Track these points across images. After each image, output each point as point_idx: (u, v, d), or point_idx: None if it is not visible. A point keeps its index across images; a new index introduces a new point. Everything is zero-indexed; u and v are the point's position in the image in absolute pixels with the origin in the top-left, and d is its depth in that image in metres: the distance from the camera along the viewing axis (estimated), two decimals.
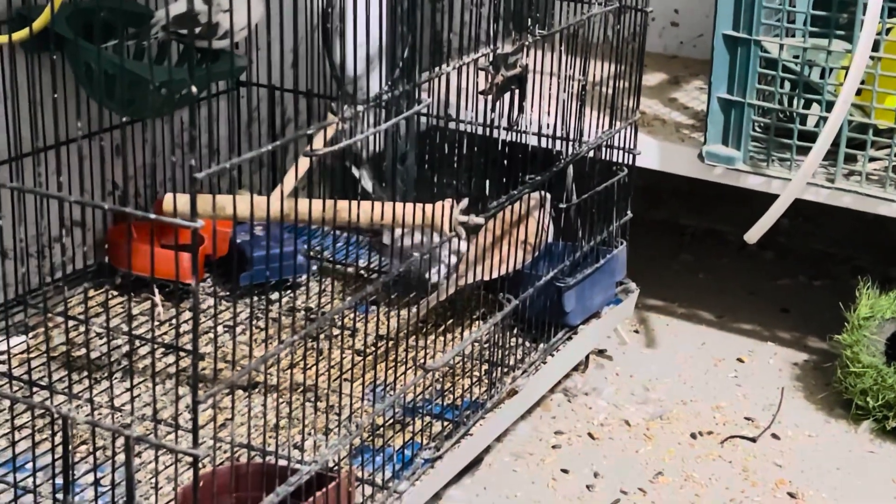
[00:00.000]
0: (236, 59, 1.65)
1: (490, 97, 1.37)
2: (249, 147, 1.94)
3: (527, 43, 1.40)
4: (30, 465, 1.34)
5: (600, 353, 1.88)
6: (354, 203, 1.34)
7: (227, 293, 1.76)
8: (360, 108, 1.15)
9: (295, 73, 1.84)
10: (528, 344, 1.66)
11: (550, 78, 1.54)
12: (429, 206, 1.37)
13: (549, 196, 1.63)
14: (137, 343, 1.61)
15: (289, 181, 1.64)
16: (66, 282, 1.71)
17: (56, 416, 1.12)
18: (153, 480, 1.33)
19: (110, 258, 1.78)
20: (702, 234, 2.30)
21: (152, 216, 1.06)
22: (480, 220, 1.37)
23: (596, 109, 1.68)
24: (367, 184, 1.84)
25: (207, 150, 1.91)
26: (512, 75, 1.37)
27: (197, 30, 1.60)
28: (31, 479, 1.32)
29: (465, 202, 1.38)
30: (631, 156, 1.75)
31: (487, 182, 1.40)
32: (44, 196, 1.19)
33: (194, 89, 1.15)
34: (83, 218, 1.74)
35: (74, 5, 1.61)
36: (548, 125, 1.60)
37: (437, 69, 1.33)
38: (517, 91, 1.40)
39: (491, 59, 1.35)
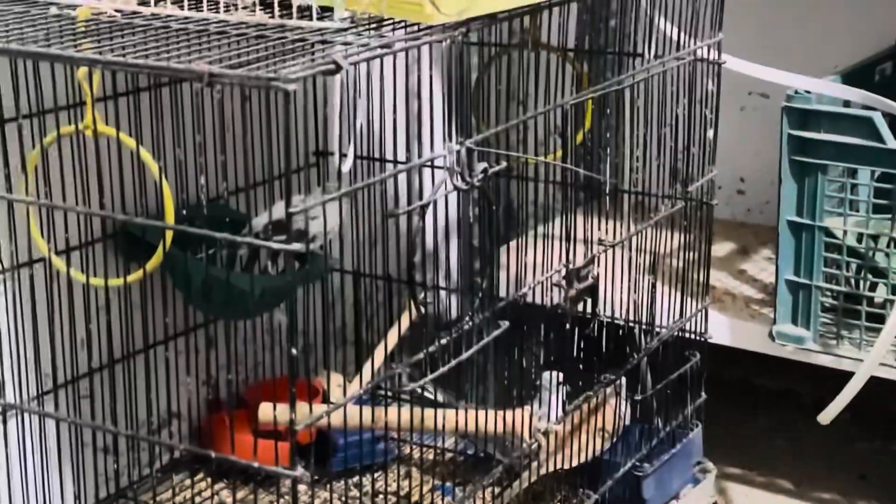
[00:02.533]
0: (320, 262, 1.75)
1: (566, 310, 1.43)
2: (333, 328, 2.03)
3: (597, 254, 1.47)
4: None
5: None
6: (440, 412, 1.41)
7: (317, 479, 1.83)
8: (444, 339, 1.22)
9: (374, 258, 1.93)
10: None
11: (621, 265, 1.60)
12: (509, 414, 1.44)
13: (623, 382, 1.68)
14: None
15: (378, 356, 1.73)
16: (164, 471, 1.81)
17: None
18: None
19: (206, 446, 1.86)
20: (777, 395, 2.33)
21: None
22: (558, 426, 1.43)
23: (667, 284, 1.74)
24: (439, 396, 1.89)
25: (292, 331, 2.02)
26: (584, 286, 1.44)
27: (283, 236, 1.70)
28: None
29: (544, 409, 1.44)
30: (703, 339, 1.80)
31: (565, 389, 1.46)
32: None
33: (284, 319, 1.23)
34: (179, 409, 1.83)
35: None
36: (619, 312, 1.66)
37: (511, 291, 1.40)
38: (590, 300, 1.47)
39: (564, 274, 1.42)
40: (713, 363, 1.87)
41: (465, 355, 1.26)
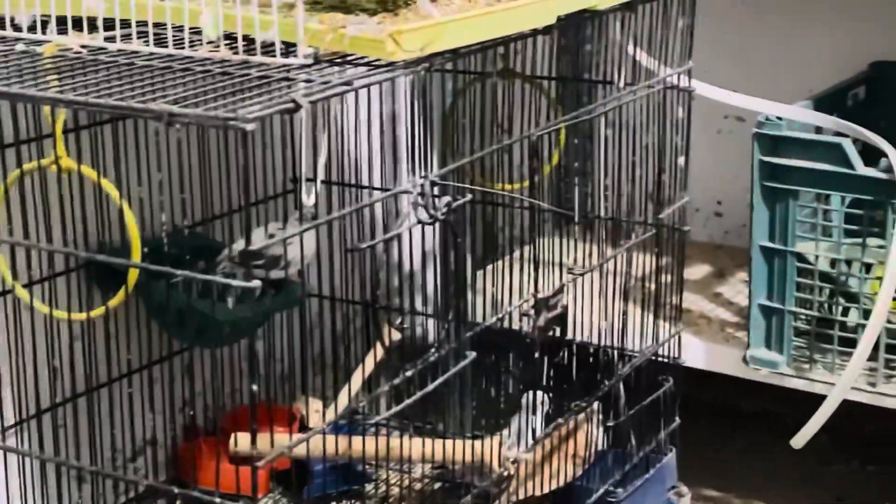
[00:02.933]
0: (295, 289, 1.76)
1: (534, 338, 1.44)
2: (312, 354, 2.04)
3: (566, 283, 1.48)
4: None
5: None
6: (406, 441, 1.42)
7: None
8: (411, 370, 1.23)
9: (350, 283, 1.94)
10: None
11: (591, 289, 1.60)
12: (478, 444, 1.44)
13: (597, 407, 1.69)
14: None
15: (356, 381, 1.73)
16: (140, 500, 1.81)
17: None
18: None
19: (182, 473, 1.87)
20: (753, 417, 2.34)
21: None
22: (528, 455, 1.44)
23: (640, 307, 1.75)
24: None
25: (268, 356, 2.03)
26: (553, 316, 1.45)
27: (259, 262, 1.71)
28: None
29: (513, 437, 1.45)
30: (677, 364, 1.81)
31: (536, 417, 1.47)
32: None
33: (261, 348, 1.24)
34: (154, 436, 1.84)
35: (144, 242, 1.72)
36: (591, 337, 1.67)
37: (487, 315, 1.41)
38: (559, 329, 1.48)
39: (532, 303, 1.43)
40: (689, 385, 1.88)
41: (430, 387, 1.26)
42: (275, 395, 1.96)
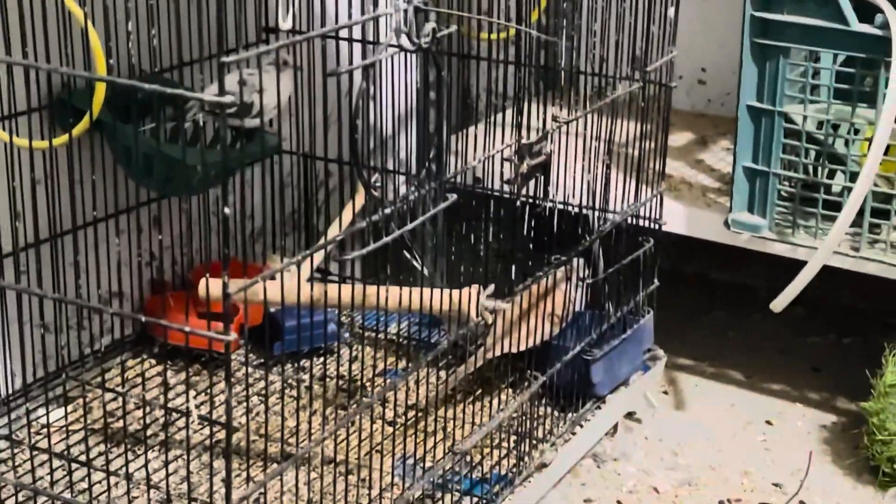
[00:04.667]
0: (269, 138, 1.70)
1: (516, 185, 1.40)
2: (282, 212, 1.99)
3: (551, 130, 1.43)
4: None
5: (629, 415, 1.90)
6: (383, 289, 1.37)
7: (261, 362, 1.80)
8: (389, 208, 1.18)
9: (325, 140, 1.89)
10: (556, 414, 1.69)
11: (576, 149, 1.56)
12: (455, 293, 1.40)
13: (582, 263, 1.65)
14: (175, 415, 1.65)
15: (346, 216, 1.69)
16: (105, 352, 1.77)
17: None
18: None
19: (148, 328, 1.83)
20: (732, 288, 2.32)
21: (187, 329, 1.09)
22: (506, 305, 1.40)
23: (622, 171, 1.71)
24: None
25: (241, 214, 1.98)
26: (537, 163, 1.40)
27: (231, 110, 1.65)
28: None
29: (491, 287, 1.41)
30: (657, 225, 1.77)
31: (513, 267, 1.43)
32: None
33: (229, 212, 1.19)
34: (120, 289, 1.79)
35: (112, 88, 1.65)
36: (573, 196, 1.63)
37: (469, 154, 1.36)
38: (542, 177, 1.43)
39: (516, 148, 1.38)
40: (669, 257, 1.85)
41: (411, 224, 1.22)
42: (244, 253, 1.91)
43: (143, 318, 1.13)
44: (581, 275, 1.61)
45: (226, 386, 1.06)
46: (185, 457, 1.58)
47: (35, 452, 1.48)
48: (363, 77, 1.15)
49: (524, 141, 1.38)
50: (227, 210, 1.02)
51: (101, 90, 1.30)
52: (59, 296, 1.32)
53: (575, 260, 1.61)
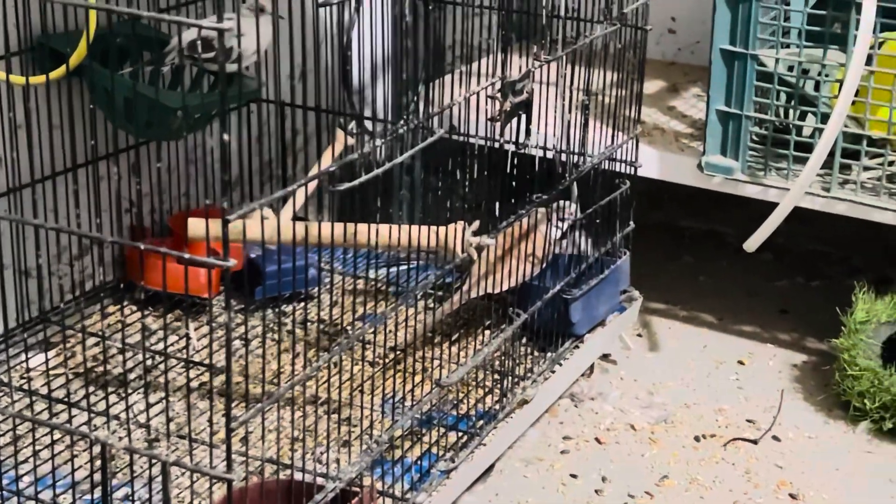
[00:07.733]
0: (248, 83, 1.70)
1: (499, 123, 1.42)
2: (259, 161, 1.99)
3: (533, 69, 1.45)
4: (66, 482, 1.40)
5: (605, 357, 1.93)
6: (369, 226, 1.39)
7: (242, 307, 1.81)
8: (377, 141, 1.20)
9: (304, 88, 1.89)
10: (536, 353, 1.72)
11: (556, 91, 1.59)
12: (441, 229, 1.42)
13: (569, 205, 1.67)
14: (159, 358, 1.66)
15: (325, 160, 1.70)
16: (86, 298, 1.78)
17: (95, 440, 1.17)
18: (184, 496, 1.38)
19: (129, 274, 1.84)
20: (701, 235, 2.36)
21: (186, 255, 1.10)
22: (491, 241, 1.42)
23: (598, 119, 1.74)
24: None
25: (220, 164, 1.98)
26: (519, 101, 1.42)
27: (209, 55, 1.65)
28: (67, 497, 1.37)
29: (476, 224, 1.43)
30: (633, 168, 1.80)
31: (497, 204, 1.45)
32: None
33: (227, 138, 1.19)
34: (102, 233, 1.79)
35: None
36: (553, 139, 1.65)
37: (447, 99, 1.37)
38: (524, 115, 1.45)
39: (499, 86, 1.40)
40: (641, 206, 1.88)
41: (399, 158, 1.23)
42: (223, 200, 1.91)
43: (143, 247, 1.13)
44: (568, 213, 1.63)
45: (225, 311, 1.07)
46: (174, 397, 1.60)
47: (20, 395, 1.49)
48: (353, 9, 1.16)
49: (507, 79, 1.40)
50: (225, 136, 1.03)
51: (91, 21, 1.30)
52: (58, 226, 1.31)
53: (562, 201, 1.64)
